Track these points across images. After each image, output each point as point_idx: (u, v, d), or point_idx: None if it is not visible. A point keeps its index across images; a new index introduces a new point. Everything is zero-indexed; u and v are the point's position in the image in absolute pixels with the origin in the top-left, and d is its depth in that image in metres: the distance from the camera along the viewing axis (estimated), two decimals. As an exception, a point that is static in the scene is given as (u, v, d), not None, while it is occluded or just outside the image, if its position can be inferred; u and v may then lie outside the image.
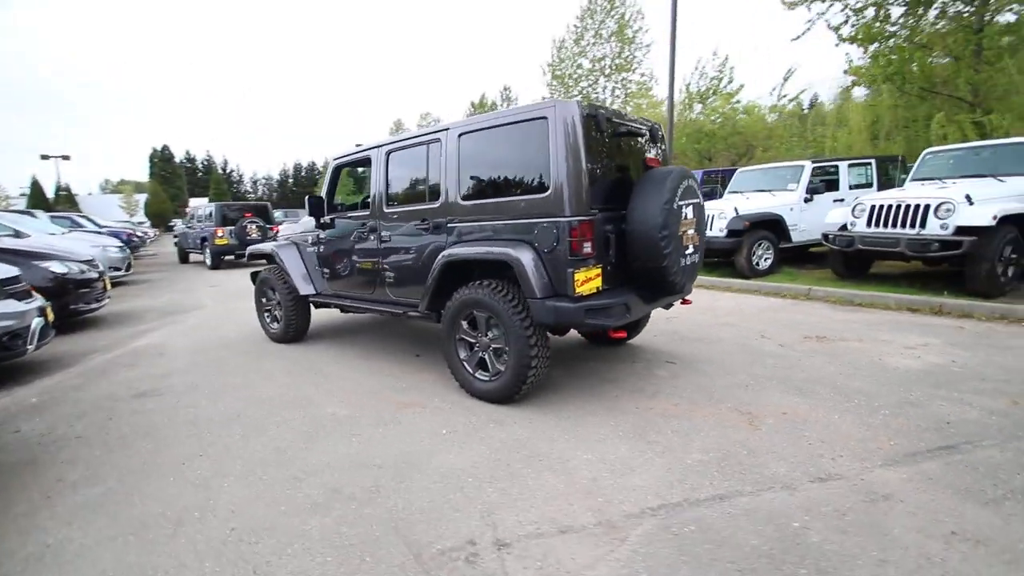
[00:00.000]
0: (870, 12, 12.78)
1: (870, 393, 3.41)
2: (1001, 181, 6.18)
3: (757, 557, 1.91)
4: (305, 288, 5.06)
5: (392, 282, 4.15)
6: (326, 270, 4.87)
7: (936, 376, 3.67)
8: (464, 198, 3.55)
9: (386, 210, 4.13)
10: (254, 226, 13.41)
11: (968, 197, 5.79)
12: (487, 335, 3.46)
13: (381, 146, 4.21)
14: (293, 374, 4.37)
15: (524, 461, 2.69)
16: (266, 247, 5.44)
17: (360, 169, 4.69)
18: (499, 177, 3.42)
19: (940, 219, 5.90)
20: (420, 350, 4.92)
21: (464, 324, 3.56)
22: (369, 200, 4.32)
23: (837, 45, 12.99)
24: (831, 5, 13.19)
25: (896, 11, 12.59)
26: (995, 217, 5.57)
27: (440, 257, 3.57)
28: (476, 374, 3.55)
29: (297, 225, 5.57)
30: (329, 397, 3.77)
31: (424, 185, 3.89)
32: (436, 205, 3.73)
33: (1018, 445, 2.64)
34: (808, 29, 15.28)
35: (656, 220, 3.15)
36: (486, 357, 3.48)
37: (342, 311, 5.31)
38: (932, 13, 12.32)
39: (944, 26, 11.78)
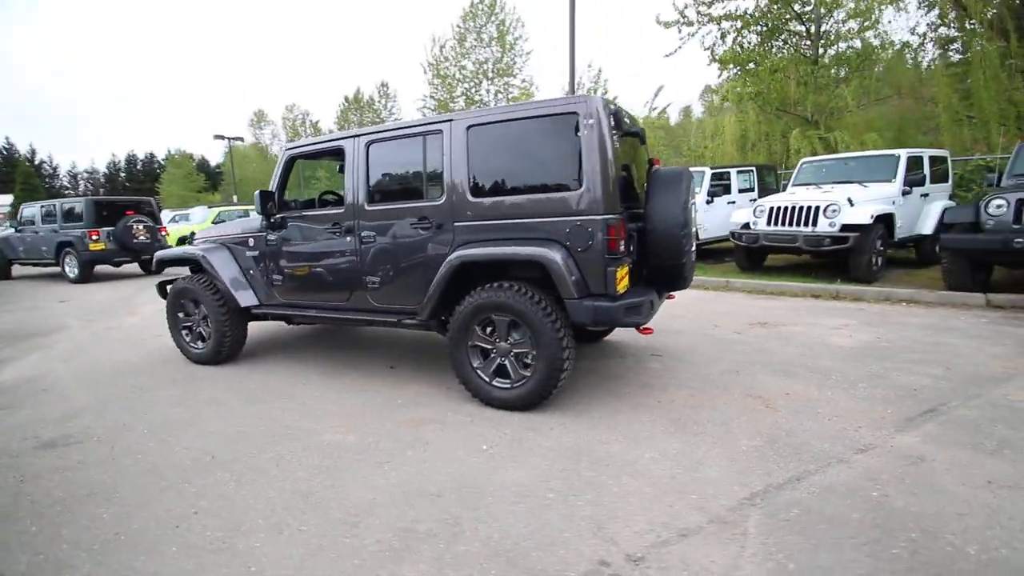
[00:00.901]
0: (731, 38, 14.71)
1: (839, 370, 3.87)
2: (865, 187, 7.46)
3: (870, 529, 2.04)
4: (245, 299, 4.33)
5: (376, 288, 3.72)
6: (277, 277, 4.21)
7: (876, 351, 4.29)
8: (475, 195, 3.31)
9: (368, 207, 3.69)
10: (141, 227, 11.12)
11: (849, 200, 6.90)
12: (507, 340, 3.26)
13: (358, 136, 3.75)
14: (253, 400, 3.71)
15: (592, 468, 2.58)
16: (189, 251, 4.55)
17: (323, 162, 4.14)
18: (518, 174, 3.24)
19: (828, 218, 6.95)
20: (391, 360, 4.50)
21: (479, 330, 3.33)
22: (344, 196, 3.83)
23: (708, 64, 14.67)
24: (699, 28, 14.91)
25: (753, 39, 14.64)
26: (872, 216, 6.71)
27: (450, 259, 3.29)
28: (494, 382, 3.33)
29: (228, 226, 4.75)
30: (318, 423, 3.26)
31: (421, 180, 3.55)
32: (438, 203, 3.42)
33: (977, 403, 3.18)
34: (680, 47, 16.94)
35: (679, 219, 3.24)
36: (506, 363, 3.29)
37: (288, 322, 4.67)
38: (779, 43, 14.55)
39: (789, 55, 13.96)
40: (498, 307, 3.19)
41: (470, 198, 3.32)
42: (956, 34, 13.03)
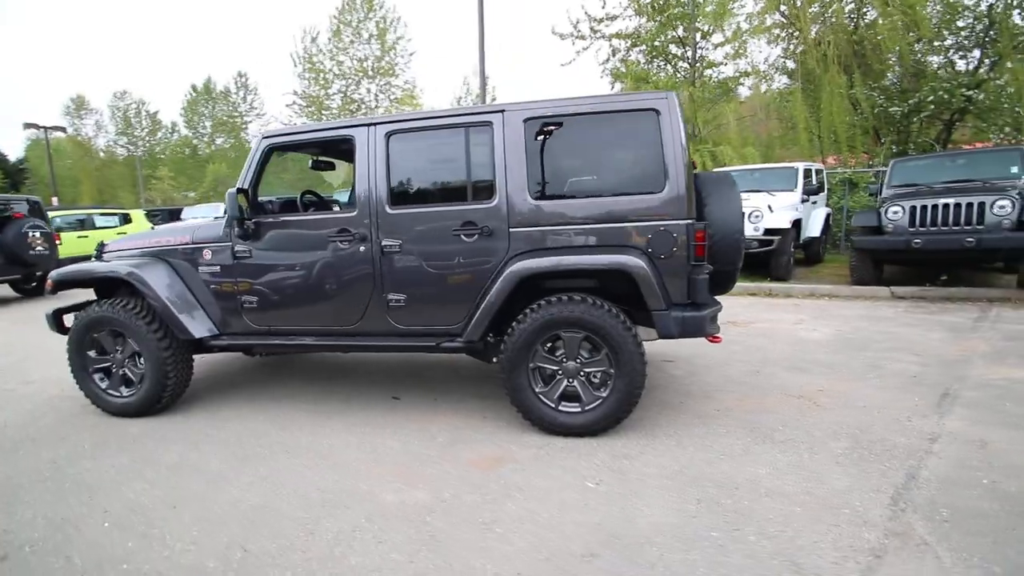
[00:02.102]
0: (620, 56, 15.74)
1: (838, 363, 4.17)
2: (773, 195, 8.37)
3: (1017, 517, 2.13)
4: (198, 327, 3.37)
5: (401, 306, 3.11)
6: (249, 298, 3.33)
7: (848, 343, 4.71)
8: (537, 198, 2.91)
9: (391, 211, 3.07)
10: (38, 234, 8.42)
11: (769, 207, 7.67)
12: (576, 359, 2.92)
13: (374, 124, 3.10)
14: (247, 458, 2.87)
15: (725, 493, 2.37)
16: (108, 269, 3.41)
17: (314, 154, 3.37)
18: (586, 175, 2.93)
19: (753, 223, 7.64)
20: (386, 388, 3.84)
21: (542, 349, 2.94)
22: (353, 196, 3.14)
23: (601, 77, 15.51)
24: (591, 43, 15.72)
25: (640, 58, 15.80)
26: (790, 221, 7.53)
27: (512, 271, 2.85)
28: (560, 407, 2.96)
29: (156, 233, 3.66)
30: (362, 479, 2.61)
31: (463, 180, 3.04)
32: (488, 206, 2.95)
33: (970, 384, 3.60)
34: (574, 60, 17.65)
35: (738, 224, 3.18)
36: (577, 385, 2.94)
37: (249, 353, 3.76)
38: (662, 64, 15.90)
39: (668, 76, 15.33)
40: (572, 323, 2.84)
41: (530, 201, 2.91)
42: (799, 66, 15.45)
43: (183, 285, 3.43)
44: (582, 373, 2.95)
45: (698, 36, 15.26)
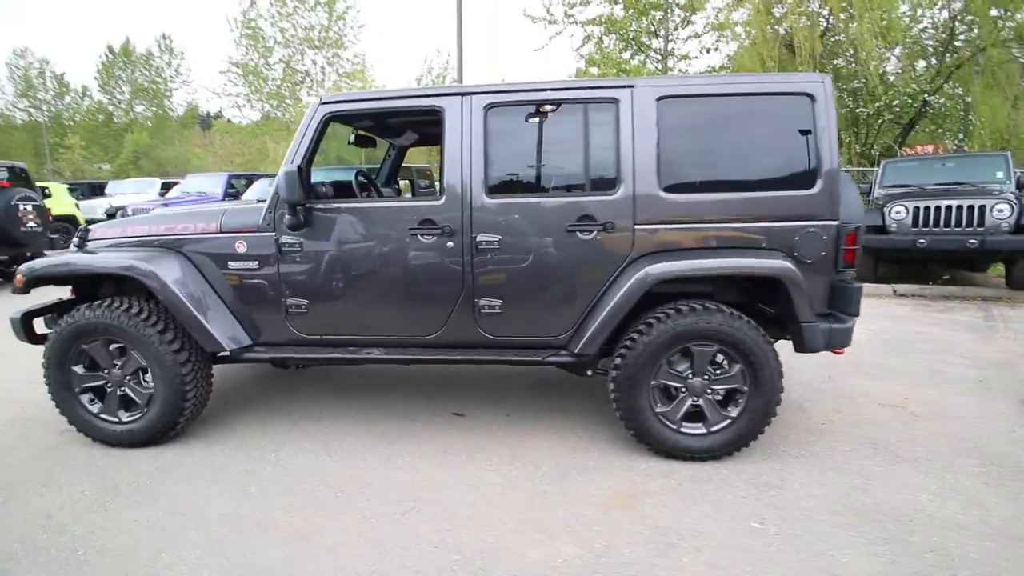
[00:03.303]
0: (593, 42, 15.48)
1: (899, 368, 4.08)
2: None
3: None
4: (228, 336, 2.71)
5: (496, 313, 2.62)
6: (297, 300, 2.70)
7: (890, 344, 4.68)
8: (669, 190, 2.51)
9: (489, 200, 2.56)
10: (30, 207, 6.94)
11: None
12: (704, 375, 2.58)
13: (470, 94, 2.55)
14: (320, 507, 2.30)
15: (911, 530, 2.11)
16: (124, 264, 2.65)
17: (382, 127, 2.75)
18: (727, 165, 2.55)
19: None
20: (447, 404, 3.33)
21: (667, 365, 2.57)
22: (439, 182, 2.59)
23: (576, 63, 15.20)
24: (564, 28, 15.35)
25: (612, 45, 15.62)
26: None
27: (644, 273, 2.44)
28: (682, 428, 2.62)
29: (165, 217, 2.91)
30: (485, 530, 2.14)
31: (580, 167, 2.57)
32: (611, 197, 2.52)
33: (1038, 389, 3.65)
34: (547, 44, 17.15)
35: (863, 222, 2.94)
36: (702, 404, 2.60)
37: (281, 365, 3.13)
38: (635, 52, 15.80)
39: (639, 65, 15.28)
40: (707, 336, 2.49)
41: (662, 194, 2.51)
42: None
43: (206, 284, 2.75)
44: (714, 389, 2.62)
45: (671, 27, 15.32)
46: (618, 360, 2.59)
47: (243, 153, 28.06)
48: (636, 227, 2.53)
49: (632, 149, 2.50)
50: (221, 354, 2.75)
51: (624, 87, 2.51)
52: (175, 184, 14.29)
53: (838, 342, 2.57)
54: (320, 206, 2.66)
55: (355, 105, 2.66)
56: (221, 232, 2.74)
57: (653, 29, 15.03)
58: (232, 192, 12.13)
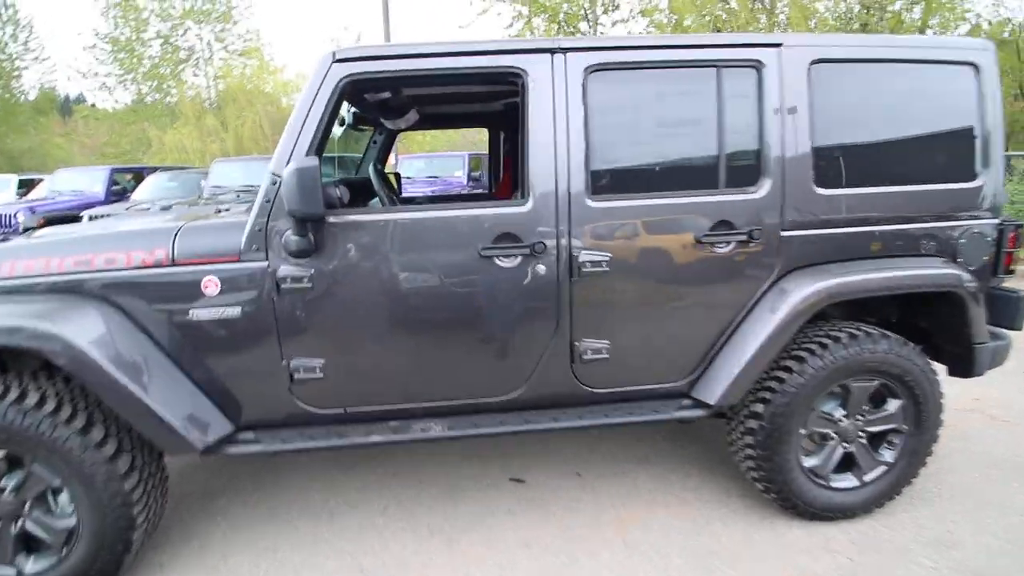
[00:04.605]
0: (523, 23, 14.84)
1: None
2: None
3: None
4: (199, 428, 1.73)
5: (603, 359, 1.88)
6: (309, 361, 1.76)
7: None
8: (823, 184, 1.91)
9: (591, 203, 1.80)
10: None
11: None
12: (858, 416, 2.05)
13: (563, 50, 1.76)
14: None
15: None
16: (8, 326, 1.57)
17: (421, 97, 1.85)
18: (886, 149, 1.99)
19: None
20: (488, 465, 2.54)
21: (820, 407, 2.00)
22: (525, 180, 1.78)
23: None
24: (492, 5, 14.58)
25: (542, 26, 15.08)
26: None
27: (813, 291, 1.82)
28: (832, 482, 2.08)
29: (86, 238, 1.82)
30: None
31: (711, 155, 1.88)
32: (754, 196, 1.86)
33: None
34: (472, 22, 16.41)
35: None
36: (854, 450, 2.07)
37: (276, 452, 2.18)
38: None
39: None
40: (871, 369, 1.96)
41: (816, 190, 1.91)
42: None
43: (152, 346, 1.74)
44: (860, 433, 2.10)
45: (599, 10, 15.08)
46: (759, 407, 1.99)
47: (116, 143, 24.20)
48: (783, 233, 1.92)
49: (781, 129, 1.86)
50: (211, 446, 1.78)
51: (770, 46, 1.86)
52: (38, 181, 11.70)
53: (998, 362, 2.15)
54: (337, 219, 1.77)
55: (387, 65, 1.75)
56: (176, 264, 1.74)
57: (584, 12, 14.70)
58: (116, 190, 10.05)
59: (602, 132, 1.82)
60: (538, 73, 1.77)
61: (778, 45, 1.87)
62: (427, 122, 3.07)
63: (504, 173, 3.34)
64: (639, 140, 1.91)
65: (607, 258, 1.82)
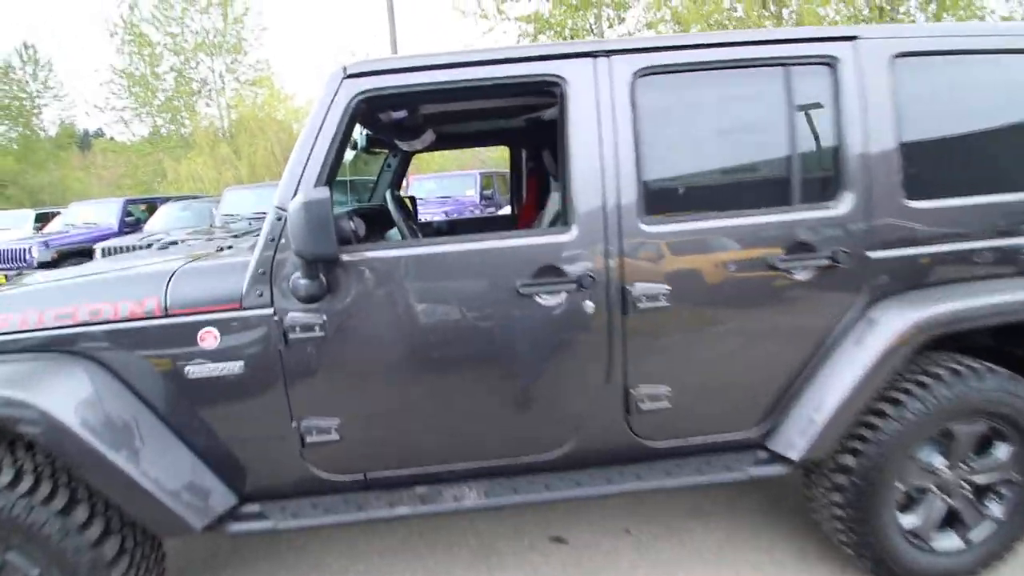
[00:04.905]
0: (528, 40, 14.84)
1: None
2: None
3: None
4: (191, 500, 1.49)
5: (663, 409, 1.61)
6: (321, 423, 1.52)
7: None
8: (911, 194, 1.64)
9: (645, 228, 1.55)
10: None
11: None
12: (964, 466, 1.75)
13: (608, 53, 1.52)
14: None
15: None
16: None
17: (443, 114, 1.65)
18: (978, 152, 1.72)
19: None
20: (524, 523, 2.26)
21: (920, 456, 1.71)
22: (568, 204, 1.55)
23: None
24: (496, 25, 14.58)
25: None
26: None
27: (915, 323, 1.54)
28: (933, 542, 1.77)
29: (61, 286, 1.61)
30: None
31: (781, 166, 1.62)
32: (833, 213, 1.59)
33: None
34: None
35: None
36: (957, 506, 1.76)
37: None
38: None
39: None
40: (979, 410, 1.66)
41: (906, 202, 1.64)
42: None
43: (143, 408, 1.51)
44: (963, 485, 1.79)
45: (605, 25, 15.03)
46: (848, 460, 1.69)
47: (133, 175, 24.64)
48: (870, 254, 1.65)
49: (862, 134, 1.60)
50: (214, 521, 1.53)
51: (844, 39, 1.61)
52: (55, 215, 11.77)
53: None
54: (354, 257, 1.53)
55: (406, 79, 1.52)
56: (169, 314, 1.52)
57: (589, 27, 14.67)
58: (130, 221, 10.04)
59: (655, 145, 1.56)
60: (579, 81, 1.53)
61: (853, 38, 1.61)
62: (444, 142, 2.86)
63: (528, 195, 3.12)
64: (697, 153, 1.65)
65: (665, 291, 1.56)
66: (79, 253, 8.31)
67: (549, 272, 1.54)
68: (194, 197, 11.34)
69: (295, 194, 1.43)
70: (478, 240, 1.54)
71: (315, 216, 1.31)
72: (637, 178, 1.55)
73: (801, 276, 1.62)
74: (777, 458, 1.72)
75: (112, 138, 28.06)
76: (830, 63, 1.60)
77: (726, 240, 1.59)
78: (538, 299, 1.54)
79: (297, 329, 1.49)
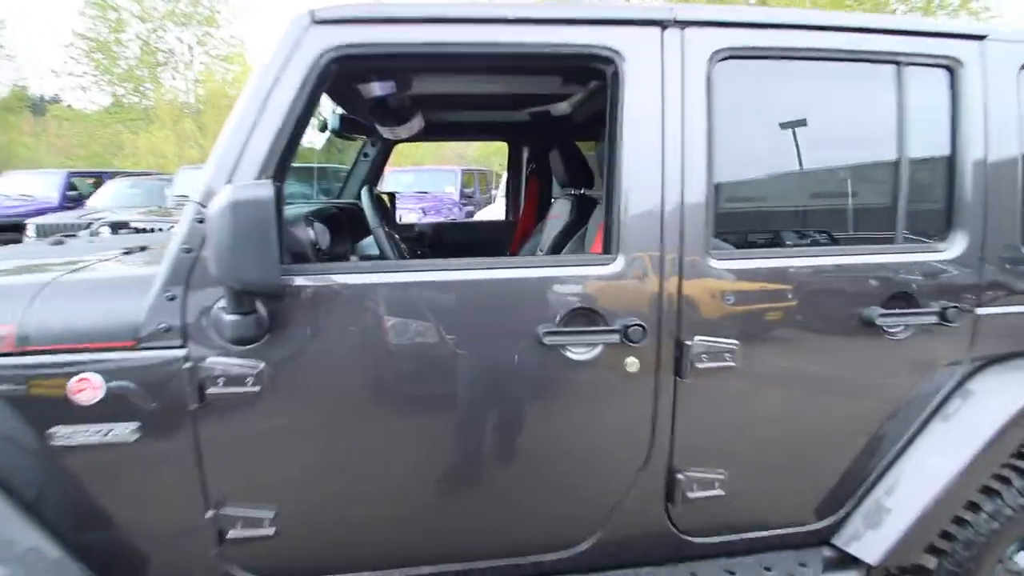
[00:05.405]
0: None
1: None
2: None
3: None
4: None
5: (718, 493, 1.21)
6: (246, 513, 1.06)
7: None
8: (1041, 238, 1.30)
9: (713, 264, 1.15)
10: None
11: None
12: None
13: (679, 24, 1.10)
14: None
15: None
16: None
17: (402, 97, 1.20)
18: None
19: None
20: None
21: (1010, 558, 1.37)
22: (609, 214, 1.12)
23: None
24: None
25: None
26: None
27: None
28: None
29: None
30: None
31: (882, 192, 1.25)
32: (942, 255, 1.23)
33: None
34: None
35: None
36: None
37: None
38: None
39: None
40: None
41: (1028, 249, 1.30)
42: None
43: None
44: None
45: None
46: (931, 561, 1.34)
47: (88, 144, 23.05)
48: (980, 311, 1.30)
49: (982, 159, 1.25)
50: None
51: (971, 38, 1.24)
52: (-8, 183, 10.70)
53: None
54: (310, 282, 1.09)
55: (397, 33, 1.07)
56: (26, 350, 1.02)
57: None
58: (73, 196, 9.15)
59: (732, 154, 1.17)
60: (640, 58, 1.11)
61: (981, 38, 1.25)
62: (433, 131, 2.41)
63: (527, 200, 2.70)
64: (785, 168, 1.26)
65: (734, 347, 1.17)
66: (8, 228, 7.44)
67: (583, 316, 1.12)
68: (145, 174, 10.48)
69: (227, 185, 0.97)
70: (490, 266, 1.11)
71: (249, 225, 0.86)
72: (708, 196, 1.14)
73: (899, 336, 1.26)
74: (847, 559, 1.36)
75: (69, 105, 26.30)
76: (950, 66, 1.23)
77: (815, 285, 1.20)
78: (566, 352, 1.13)
79: (220, 381, 1.03)
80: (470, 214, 9.59)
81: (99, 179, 9.55)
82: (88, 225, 6.27)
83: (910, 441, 1.33)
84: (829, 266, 1.21)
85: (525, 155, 2.77)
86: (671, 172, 1.12)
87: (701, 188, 1.13)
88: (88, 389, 1.03)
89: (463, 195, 10.20)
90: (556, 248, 2.08)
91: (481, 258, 1.11)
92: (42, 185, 9.19)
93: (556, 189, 2.66)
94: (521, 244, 2.58)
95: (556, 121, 2.35)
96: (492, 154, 20.16)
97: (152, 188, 8.07)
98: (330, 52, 1.03)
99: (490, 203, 10.06)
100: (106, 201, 7.91)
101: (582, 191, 2.20)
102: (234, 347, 1.02)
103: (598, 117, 2.10)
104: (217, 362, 1.03)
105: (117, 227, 6.18)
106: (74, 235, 3.31)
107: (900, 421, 1.32)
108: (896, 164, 1.25)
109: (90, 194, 8.97)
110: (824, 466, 1.33)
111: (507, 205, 2.97)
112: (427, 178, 10.62)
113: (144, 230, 5.31)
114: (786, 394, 1.25)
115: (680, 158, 1.12)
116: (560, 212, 2.20)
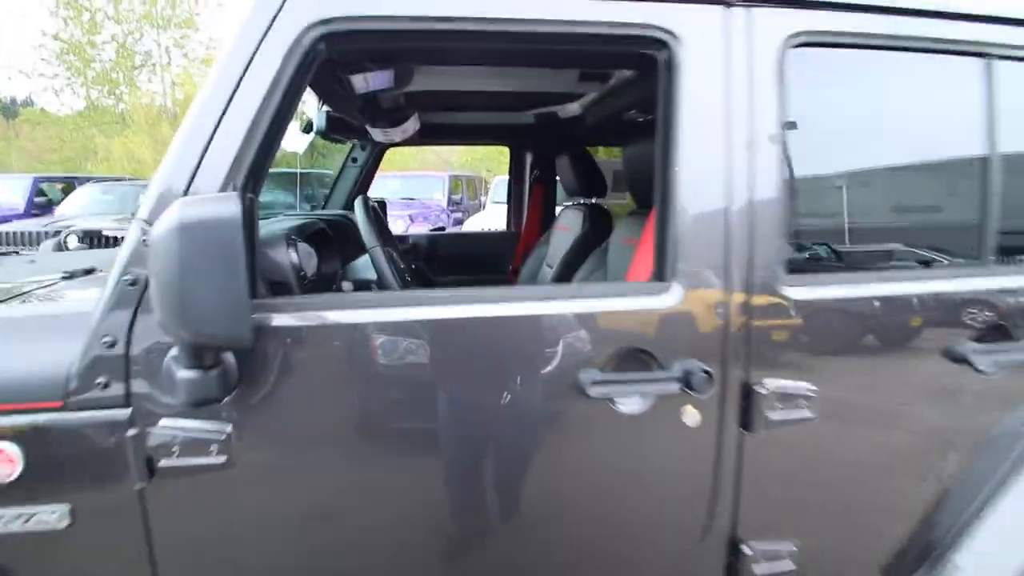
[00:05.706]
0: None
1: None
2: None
3: None
4: None
5: (791, 569, 0.99)
6: None
7: None
8: None
9: (788, 291, 0.92)
10: None
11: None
12: None
13: (740, 3, 0.90)
14: None
15: None
16: None
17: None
18: None
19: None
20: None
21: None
22: (662, 232, 0.91)
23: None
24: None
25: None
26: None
27: None
28: None
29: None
30: None
31: (970, 208, 1.04)
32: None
33: None
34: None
35: None
36: None
37: None
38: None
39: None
40: None
41: None
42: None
43: None
44: None
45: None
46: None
47: (61, 149, 22.33)
48: (1085, 345, 1.12)
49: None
50: None
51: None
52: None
53: None
54: (292, 320, 0.84)
55: (401, 4, 0.86)
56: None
57: None
58: (41, 202, 8.71)
59: (810, 160, 0.98)
60: (698, 40, 0.90)
61: None
62: (429, 134, 2.18)
63: (531, 209, 2.50)
64: (874, 178, 1.06)
65: (813, 393, 0.97)
66: (-34, 236, 7.02)
67: (633, 359, 0.91)
68: (117, 179, 10.07)
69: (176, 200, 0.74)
70: (517, 298, 0.89)
71: (206, 253, 0.63)
72: (782, 211, 0.94)
73: (992, 375, 1.07)
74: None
75: (42, 108, 25.50)
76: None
77: (907, 315, 1.01)
78: (613, 404, 0.92)
79: (175, 451, 0.79)
80: (459, 221, 9.36)
81: (70, 184, 9.14)
82: (56, 233, 5.89)
83: (993, 494, 1.15)
84: (925, 294, 1.02)
85: (528, 160, 2.57)
86: (737, 180, 0.92)
87: (773, 199, 0.93)
88: (3, 463, 0.79)
89: (451, 202, 9.98)
90: (567, 264, 1.88)
91: (515, 287, 0.92)
92: (7, 191, 8.75)
93: (560, 195, 2.46)
94: (525, 256, 2.38)
95: (564, 123, 2.15)
96: (479, 160, 19.94)
97: (126, 194, 7.69)
98: (317, 27, 0.81)
99: (480, 210, 9.87)
100: (77, 208, 7.52)
101: (592, 200, 2.01)
102: (192, 408, 0.79)
103: (612, 119, 1.91)
104: (171, 426, 0.80)
105: (88, 236, 5.82)
106: (16, 252, 2.99)
107: (992, 473, 1.13)
108: (986, 167, 1.06)
109: (60, 200, 8.56)
110: (908, 530, 1.13)
111: (509, 214, 2.76)
112: (414, 184, 10.36)
113: (118, 239, 4.97)
114: (872, 446, 1.05)
115: (747, 164, 0.92)
116: (570, 224, 2.00)
